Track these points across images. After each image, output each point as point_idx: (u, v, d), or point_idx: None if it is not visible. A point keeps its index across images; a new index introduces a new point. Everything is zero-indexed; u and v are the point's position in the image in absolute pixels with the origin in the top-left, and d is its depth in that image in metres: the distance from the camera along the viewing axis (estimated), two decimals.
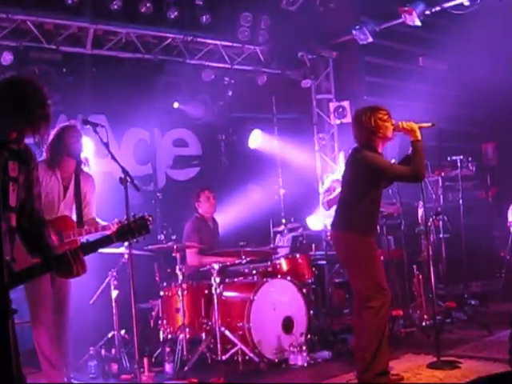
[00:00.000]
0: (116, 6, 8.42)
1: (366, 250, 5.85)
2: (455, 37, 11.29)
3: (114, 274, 7.32)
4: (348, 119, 10.48)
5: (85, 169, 6.41)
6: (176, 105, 9.42)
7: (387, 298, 5.81)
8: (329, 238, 8.14)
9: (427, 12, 9.34)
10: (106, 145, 5.95)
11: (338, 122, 10.68)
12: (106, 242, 3.82)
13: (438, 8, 9.35)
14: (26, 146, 3.70)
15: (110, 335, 7.35)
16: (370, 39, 9.87)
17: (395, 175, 5.92)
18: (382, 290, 5.78)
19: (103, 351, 7.23)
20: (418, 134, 5.80)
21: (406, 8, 9.25)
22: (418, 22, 9.29)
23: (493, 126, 11.60)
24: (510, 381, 2.62)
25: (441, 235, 9.01)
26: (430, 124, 5.96)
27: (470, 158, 9.96)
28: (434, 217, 8.40)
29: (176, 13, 8.94)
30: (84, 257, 3.75)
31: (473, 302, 9.31)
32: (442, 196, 10.12)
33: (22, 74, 3.58)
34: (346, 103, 10.55)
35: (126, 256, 6.98)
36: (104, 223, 6.33)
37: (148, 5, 8.65)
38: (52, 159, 6.07)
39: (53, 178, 6.14)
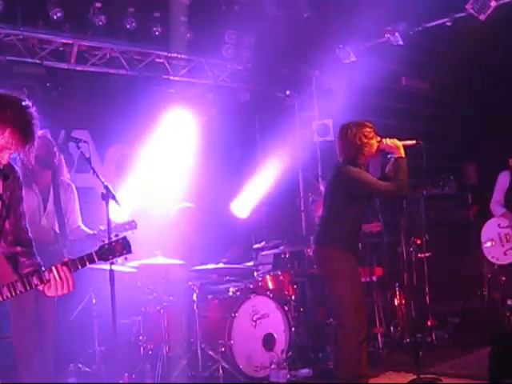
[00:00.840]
0: (100, 22, 8.42)
1: (348, 267, 5.85)
2: (437, 56, 11.39)
3: (96, 289, 7.29)
4: (331, 137, 10.51)
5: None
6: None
7: (364, 317, 5.84)
8: (310, 253, 8.15)
9: (410, 32, 9.42)
10: (88, 160, 5.95)
11: (320, 139, 10.71)
12: (87, 260, 3.82)
13: (420, 28, 9.42)
14: (10, 164, 3.69)
15: (90, 351, 7.32)
16: (353, 58, 9.93)
17: (379, 190, 5.90)
18: (359, 310, 5.79)
19: (83, 367, 7.19)
20: (402, 151, 5.84)
21: (390, 28, 9.32)
22: (400, 42, 9.36)
23: (474, 146, 11.67)
24: None
25: (422, 253, 9.03)
26: (413, 142, 6.00)
27: (451, 177, 10.02)
28: (415, 235, 8.44)
29: (160, 29, 8.95)
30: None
31: (454, 320, 9.34)
32: (423, 214, 10.15)
33: (8, 91, 3.57)
34: (328, 121, 10.59)
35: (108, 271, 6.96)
36: (90, 231, 6.32)
37: (132, 21, 8.67)
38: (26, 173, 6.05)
39: (30, 193, 6.10)
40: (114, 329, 5.86)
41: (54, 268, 3.65)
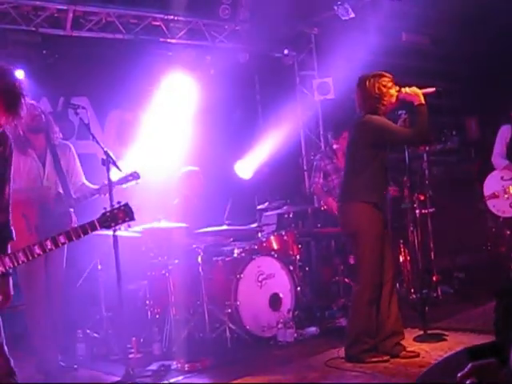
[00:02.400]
0: None
1: (370, 224, 5.82)
2: (437, 11, 11.26)
3: (101, 255, 7.32)
4: (331, 95, 10.46)
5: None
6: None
7: (380, 275, 5.83)
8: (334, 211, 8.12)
9: None
10: (87, 126, 5.94)
11: (321, 98, 10.65)
12: (89, 228, 3.82)
13: None
14: (3, 131, 3.67)
15: (97, 317, 7.37)
16: (352, 15, 9.83)
17: (402, 137, 5.87)
18: (375, 269, 5.79)
19: (91, 333, 7.25)
20: (422, 98, 5.77)
21: None
22: None
23: (476, 100, 11.60)
24: (495, 350, 2.64)
25: (427, 209, 9.03)
26: (433, 89, 5.91)
27: (453, 132, 9.96)
28: (419, 191, 8.42)
29: None
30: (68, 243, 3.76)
31: (459, 275, 9.37)
32: (427, 170, 10.13)
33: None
34: (328, 80, 10.52)
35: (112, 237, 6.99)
36: (95, 186, 6.37)
37: None
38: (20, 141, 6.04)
39: (28, 159, 6.13)
40: (120, 294, 5.90)
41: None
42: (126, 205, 3.96)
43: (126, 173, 6.40)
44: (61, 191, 6.25)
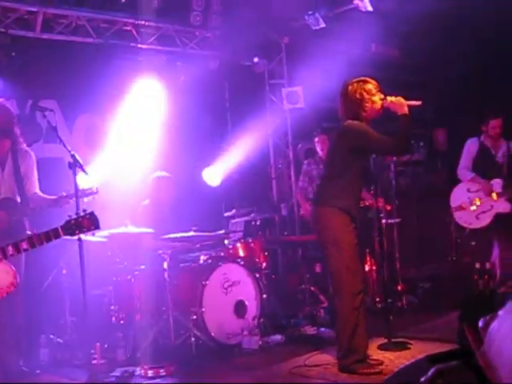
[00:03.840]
0: None
1: (344, 228, 5.73)
2: (406, 22, 11.36)
3: (66, 260, 7.26)
4: (301, 104, 10.50)
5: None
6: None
7: (360, 282, 5.78)
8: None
9: None
10: (55, 129, 5.90)
11: (290, 107, 10.68)
12: (53, 235, 3.79)
13: None
14: None
15: (61, 322, 7.30)
16: (323, 25, 9.89)
17: (381, 145, 5.77)
18: (354, 275, 5.72)
19: (55, 338, 7.18)
20: (406, 108, 5.71)
21: None
22: (370, 8, 9.33)
23: (444, 112, 11.72)
24: (455, 357, 2.69)
25: (392, 219, 9.10)
26: (419, 102, 5.83)
27: (421, 143, 10.06)
28: (385, 201, 8.48)
29: None
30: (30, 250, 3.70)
31: (424, 285, 9.44)
32: (393, 181, 10.21)
33: None
34: (298, 89, 10.56)
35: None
36: (49, 197, 6.24)
37: None
38: None
39: None
40: (85, 299, 5.85)
41: None
42: (92, 213, 3.93)
43: (83, 188, 6.28)
44: (17, 199, 6.16)
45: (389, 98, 5.77)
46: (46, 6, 8.34)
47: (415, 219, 9.36)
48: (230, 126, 10.80)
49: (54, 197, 6.21)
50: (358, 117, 5.80)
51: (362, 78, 5.90)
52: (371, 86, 5.84)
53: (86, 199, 6.21)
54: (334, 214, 5.74)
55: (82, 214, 3.95)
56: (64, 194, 6.03)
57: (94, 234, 6.53)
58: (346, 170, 5.75)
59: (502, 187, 8.01)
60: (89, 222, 3.91)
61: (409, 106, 5.74)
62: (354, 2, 9.40)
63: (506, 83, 10.56)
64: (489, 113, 8.30)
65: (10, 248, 3.65)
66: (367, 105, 5.78)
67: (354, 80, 5.90)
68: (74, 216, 4.01)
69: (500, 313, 2.32)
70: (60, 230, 3.81)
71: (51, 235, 3.79)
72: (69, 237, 3.96)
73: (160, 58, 9.55)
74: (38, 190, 6.39)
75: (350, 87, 5.85)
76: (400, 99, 5.74)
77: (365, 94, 5.78)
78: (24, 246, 3.68)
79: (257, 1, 9.71)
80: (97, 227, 3.98)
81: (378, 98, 5.81)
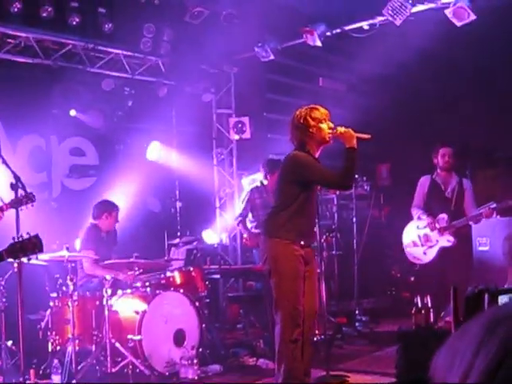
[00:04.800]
0: (16, 9, 8.20)
1: (290, 261, 5.63)
2: (354, 59, 11.58)
3: (3, 282, 7.11)
4: (247, 135, 10.58)
5: None
6: (73, 113, 9.23)
7: (299, 315, 5.64)
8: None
9: (328, 33, 9.55)
10: None
11: (236, 137, 10.75)
12: None
13: (338, 30, 9.57)
14: None
15: None
16: (272, 57, 10.00)
17: (324, 177, 5.73)
18: (294, 308, 5.62)
19: None
20: (355, 141, 5.61)
21: (308, 28, 9.43)
22: (318, 43, 9.47)
23: (388, 148, 11.91)
24: None
25: (333, 252, 9.17)
26: (368, 136, 5.75)
27: (364, 178, 10.18)
28: (327, 234, 8.55)
29: (78, 19, 8.79)
30: None
31: (363, 319, 9.52)
32: (336, 214, 10.32)
33: None
34: (245, 119, 10.63)
35: (16, 265, 6.81)
36: None
37: (49, 9, 8.45)
38: None
39: None
40: (21, 323, 5.74)
41: None
42: (37, 236, 3.83)
43: (20, 194, 6.08)
44: None
45: (339, 129, 5.64)
46: None
47: (356, 252, 9.46)
48: (176, 153, 10.78)
49: None
50: (303, 144, 5.70)
51: (311, 106, 5.80)
52: (318, 113, 5.71)
53: (21, 207, 6.00)
54: (279, 244, 5.67)
55: (26, 237, 3.84)
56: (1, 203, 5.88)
57: (36, 258, 6.40)
58: (292, 200, 5.69)
59: (446, 222, 8.14)
60: (33, 246, 3.80)
61: (358, 138, 5.65)
62: (304, 36, 9.52)
63: (448, 121, 10.83)
64: (439, 142, 8.43)
65: None
66: (312, 130, 5.65)
67: (304, 107, 5.80)
68: (19, 239, 3.88)
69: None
70: (4, 253, 3.70)
71: None
72: (11, 260, 3.86)
73: (108, 83, 9.50)
74: None
75: (297, 113, 5.75)
76: (350, 131, 5.63)
77: (310, 120, 5.65)
78: None
79: (207, 30, 9.78)
80: (40, 250, 3.88)
81: (325, 125, 5.68)
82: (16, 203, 6.04)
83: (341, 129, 5.66)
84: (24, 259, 5.80)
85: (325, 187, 6.12)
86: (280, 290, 5.70)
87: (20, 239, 3.84)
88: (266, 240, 5.85)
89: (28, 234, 3.90)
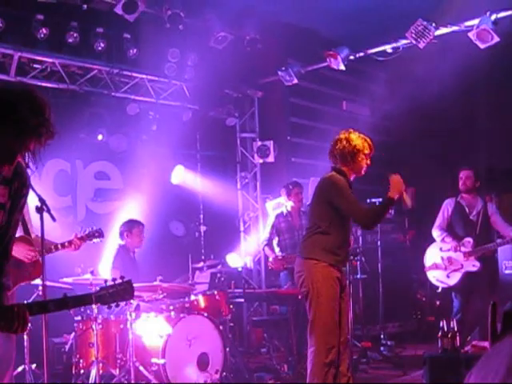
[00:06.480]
0: (42, 35, 8.35)
1: (325, 283, 5.62)
2: (378, 83, 11.59)
3: None
4: (271, 159, 10.60)
5: None
6: (100, 137, 9.31)
7: (334, 337, 5.63)
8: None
9: (351, 57, 9.56)
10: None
11: (260, 161, 10.77)
12: (84, 302, 3.55)
13: (361, 53, 9.58)
14: (22, 167, 3.40)
15: (20, 369, 7.15)
16: (295, 81, 10.03)
17: (350, 208, 5.70)
18: (329, 331, 5.61)
19: None
20: (397, 195, 5.67)
21: (331, 52, 9.45)
22: (342, 67, 9.49)
23: (413, 172, 11.86)
24: None
25: (358, 276, 9.12)
26: (409, 204, 5.94)
27: None
28: (352, 257, 8.49)
29: (103, 45, 8.89)
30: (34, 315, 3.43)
31: (388, 343, 9.43)
32: (361, 237, 10.27)
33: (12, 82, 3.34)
34: (269, 143, 10.66)
35: (41, 288, 6.83)
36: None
37: (75, 35, 8.60)
38: None
39: None
40: (46, 346, 5.73)
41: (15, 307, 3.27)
42: (129, 282, 3.53)
43: (90, 229, 6.36)
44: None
45: (392, 177, 5.73)
46: (21, 50, 8.36)
47: (381, 276, 9.40)
48: (200, 178, 10.82)
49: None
50: (345, 165, 5.77)
51: (364, 136, 5.86)
52: (368, 147, 5.81)
53: (94, 240, 6.40)
54: (317, 266, 5.65)
55: (119, 281, 3.55)
56: (79, 235, 6.06)
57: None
58: (327, 221, 5.70)
59: (471, 246, 8.07)
60: (124, 293, 3.50)
61: (401, 195, 5.73)
62: (327, 60, 9.54)
63: (474, 145, 10.78)
64: (460, 166, 8.41)
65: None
66: (359, 159, 5.74)
67: (356, 132, 5.86)
68: (110, 283, 3.56)
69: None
70: (93, 297, 3.49)
71: (82, 302, 3.50)
72: (99, 305, 3.65)
73: (133, 107, 9.56)
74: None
75: (352, 135, 5.79)
76: (400, 184, 5.72)
77: (364, 148, 5.75)
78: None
79: (231, 55, 9.84)
80: (131, 297, 3.60)
81: (367, 162, 5.82)
82: (89, 237, 6.25)
83: (394, 177, 5.74)
84: (49, 282, 5.83)
85: (347, 216, 6.05)
86: (317, 311, 5.67)
87: (111, 284, 3.53)
88: (303, 262, 5.80)
89: (122, 277, 3.58)
